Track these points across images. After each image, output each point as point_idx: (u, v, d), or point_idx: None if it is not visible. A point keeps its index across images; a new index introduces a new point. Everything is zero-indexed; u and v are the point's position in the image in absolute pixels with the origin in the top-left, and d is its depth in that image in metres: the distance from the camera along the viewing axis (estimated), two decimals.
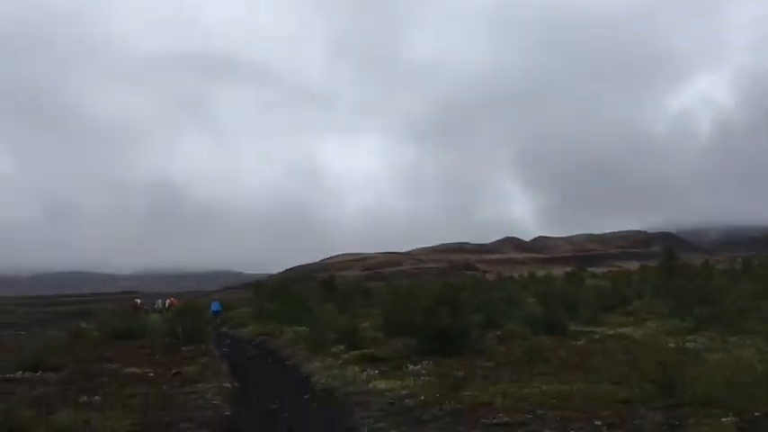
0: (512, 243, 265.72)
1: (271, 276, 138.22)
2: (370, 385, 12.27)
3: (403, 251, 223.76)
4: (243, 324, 34.24)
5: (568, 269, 78.79)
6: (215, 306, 39.08)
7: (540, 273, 77.22)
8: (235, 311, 44.78)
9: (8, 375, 14.35)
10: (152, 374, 14.98)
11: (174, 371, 15.44)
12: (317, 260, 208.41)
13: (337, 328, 19.65)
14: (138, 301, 55.20)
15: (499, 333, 19.56)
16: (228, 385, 13.77)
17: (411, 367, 13.86)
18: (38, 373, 14.57)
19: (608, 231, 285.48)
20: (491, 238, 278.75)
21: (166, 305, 49.68)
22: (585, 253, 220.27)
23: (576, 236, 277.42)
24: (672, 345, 14.93)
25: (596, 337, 19.42)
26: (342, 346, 17.97)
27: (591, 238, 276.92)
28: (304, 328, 23.81)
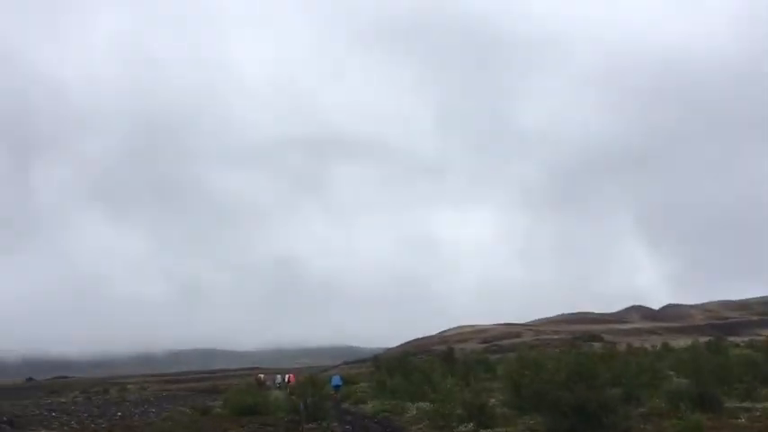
0: (639, 312, 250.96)
1: (388, 350, 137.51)
2: None
3: (522, 322, 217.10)
4: (363, 400, 33.54)
5: (704, 339, 72.81)
6: (336, 380, 38.66)
7: (674, 343, 71.95)
8: (355, 386, 44.25)
9: None
10: None
11: None
12: (435, 333, 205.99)
13: (464, 404, 18.57)
14: (262, 376, 56.32)
15: (643, 410, 17.76)
16: None
17: None
18: None
19: (746, 297, 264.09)
20: (615, 306, 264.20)
21: (286, 381, 50.33)
22: (722, 321, 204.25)
23: (710, 303, 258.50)
24: None
25: (758, 413, 17.19)
26: (470, 424, 16.88)
27: (726, 304, 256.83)
28: (427, 403, 22.86)
